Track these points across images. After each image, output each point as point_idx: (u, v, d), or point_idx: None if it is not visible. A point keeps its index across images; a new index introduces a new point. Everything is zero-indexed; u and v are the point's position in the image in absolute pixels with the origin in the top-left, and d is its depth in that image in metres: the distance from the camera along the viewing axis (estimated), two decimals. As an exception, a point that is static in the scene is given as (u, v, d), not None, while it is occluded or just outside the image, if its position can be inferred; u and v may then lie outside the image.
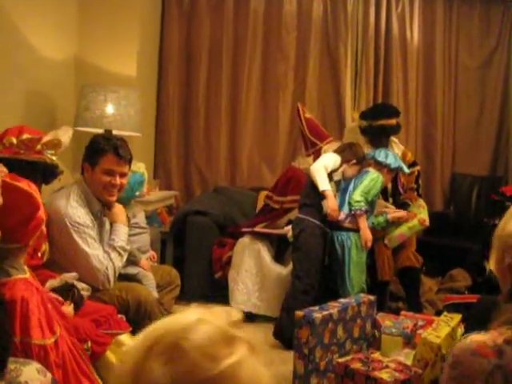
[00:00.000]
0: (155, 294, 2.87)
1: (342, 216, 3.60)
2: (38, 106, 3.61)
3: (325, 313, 2.66)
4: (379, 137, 4.13)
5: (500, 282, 1.40)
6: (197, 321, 0.74)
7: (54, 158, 2.29)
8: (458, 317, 2.70)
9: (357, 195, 3.55)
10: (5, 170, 1.76)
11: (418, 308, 3.80)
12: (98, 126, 3.60)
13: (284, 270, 3.90)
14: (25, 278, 1.76)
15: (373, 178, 3.64)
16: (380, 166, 3.73)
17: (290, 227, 3.82)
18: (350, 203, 3.58)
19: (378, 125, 4.13)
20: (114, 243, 2.68)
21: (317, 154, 4.25)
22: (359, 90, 5.24)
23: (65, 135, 2.39)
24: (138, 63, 4.26)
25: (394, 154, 3.85)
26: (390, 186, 4.10)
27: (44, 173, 2.30)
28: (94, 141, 2.73)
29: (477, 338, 1.26)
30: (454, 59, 5.40)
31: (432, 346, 2.32)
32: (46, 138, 2.25)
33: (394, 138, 4.26)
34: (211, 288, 4.20)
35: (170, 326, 0.74)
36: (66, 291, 2.22)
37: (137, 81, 4.22)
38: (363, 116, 4.27)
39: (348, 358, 2.40)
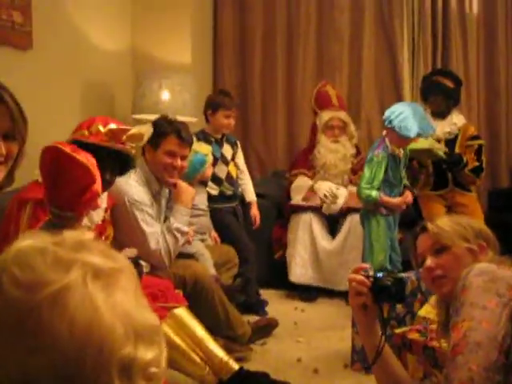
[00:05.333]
0: (212, 271, 2.92)
1: None
2: (97, 97, 3.71)
3: (382, 286, 2.63)
4: (434, 96, 4.03)
5: None
6: (27, 248, 0.66)
7: (133, 150, 2.34)
8: None
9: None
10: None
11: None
12: (154, 112, 3.66)
13: (330, 243, 3.94)
14: None
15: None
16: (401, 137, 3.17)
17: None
18: None
19: (432, 80, 4.08)
20: (170, 225, 2.74)
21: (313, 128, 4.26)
22: (417, 68, 5.08)
23: (146, 132, 2.46)
24: (193, 49, 4.30)
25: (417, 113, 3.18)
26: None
27: (123, 164, 2.34)
28: (157, 123, 2.80)
29: (487, 263, 1.30)
30: (517, 30, 5.18)
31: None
32: (131, 131, 2.29)
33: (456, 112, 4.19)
34: (269, 270, 4.22)
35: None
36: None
37: (192, 67, 4.27)
38: (422, 79, 4.27)
39: (406, 328, 2.36)
